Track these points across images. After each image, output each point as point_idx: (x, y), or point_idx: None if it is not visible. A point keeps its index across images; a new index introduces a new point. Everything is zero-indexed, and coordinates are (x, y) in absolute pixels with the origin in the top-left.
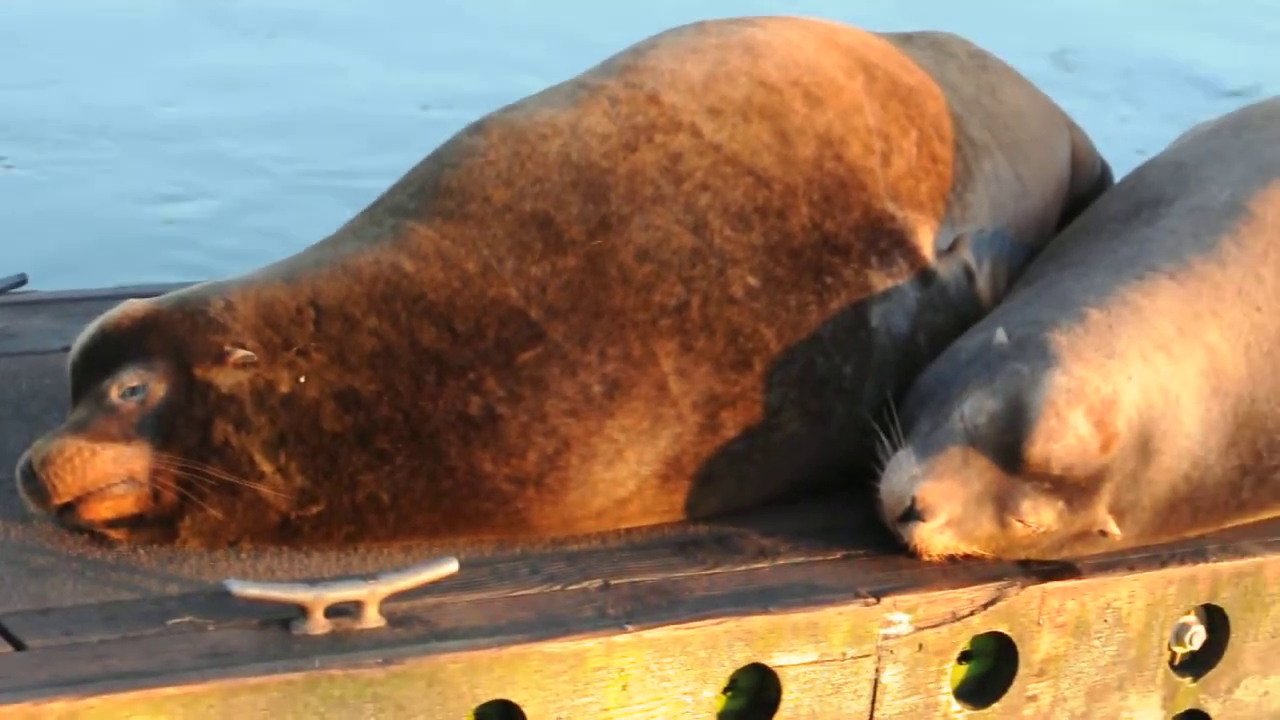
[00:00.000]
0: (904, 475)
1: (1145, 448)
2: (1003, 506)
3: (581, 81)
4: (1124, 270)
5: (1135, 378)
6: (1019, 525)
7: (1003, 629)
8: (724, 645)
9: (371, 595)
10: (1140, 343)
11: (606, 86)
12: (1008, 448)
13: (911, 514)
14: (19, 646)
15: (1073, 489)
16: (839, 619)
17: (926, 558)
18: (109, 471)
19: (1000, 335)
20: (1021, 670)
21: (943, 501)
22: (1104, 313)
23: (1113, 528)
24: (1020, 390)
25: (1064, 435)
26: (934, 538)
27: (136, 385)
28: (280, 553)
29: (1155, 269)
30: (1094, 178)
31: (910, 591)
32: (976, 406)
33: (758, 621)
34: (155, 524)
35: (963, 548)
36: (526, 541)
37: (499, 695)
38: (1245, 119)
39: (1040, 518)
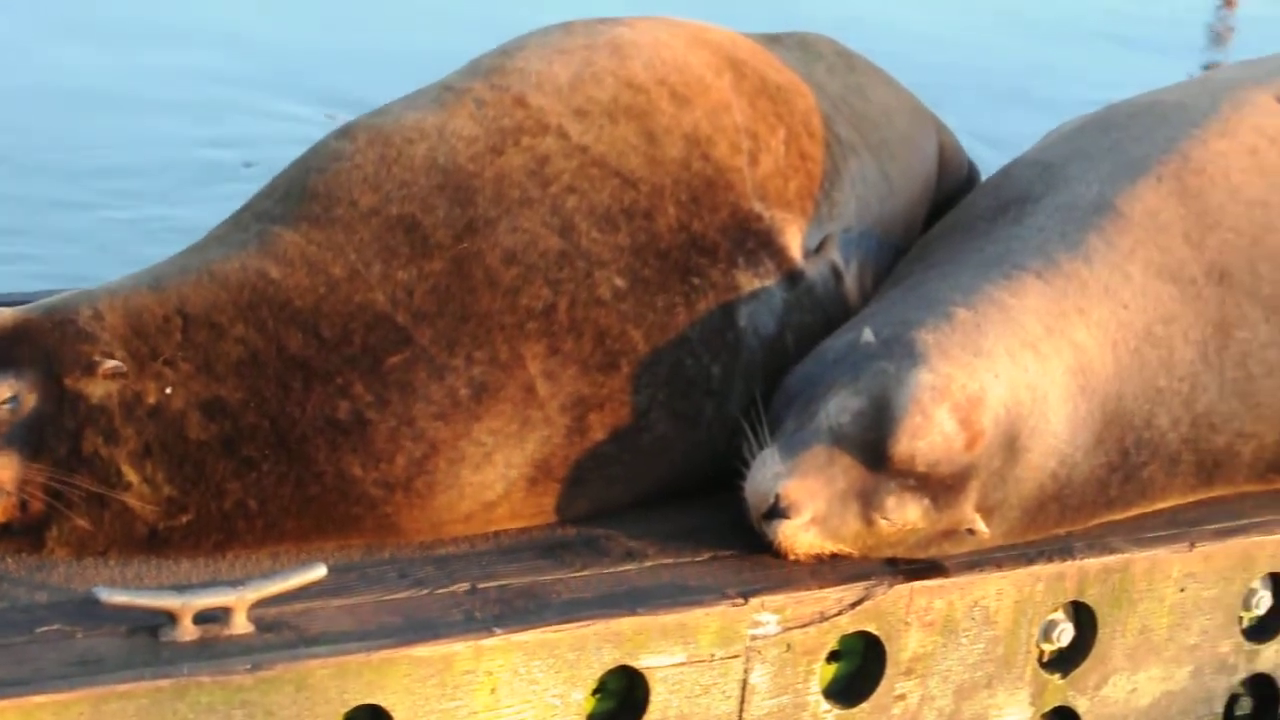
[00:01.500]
0: (768, 473)
1: (1012, 446)
2: (868, 504)
3: (448, 84)
4: (991, 269)
5: (1002, 376)
6: (884, 523)
7: (870, 628)
8: (592, 647)
9: (240, 601)
10: (1007, 341)
11: (473, 89)
12: (873, 445)
13: (776, 512)
14: None
15: (938, 486)
16: (707, 620)
17: (792, 556)
18: None
19: (867, 335)
20: (890, 669)
21: (807, 499)
22: (971, 311)
23: (980, 526)
24: (886, 388)
25: (929, 432)
26: (799, 535)
27: (8, 395)
28: (149, 559)
29: (1022, 267)
30: (961, 177)
31: (778, 592)
32: (841, 404)
33: (626, 623)
34: (22, 533)
35: (828, 546)
36: (395, 546)
37: (368, 699)
38: (1110, 117)
39: (905, 515)
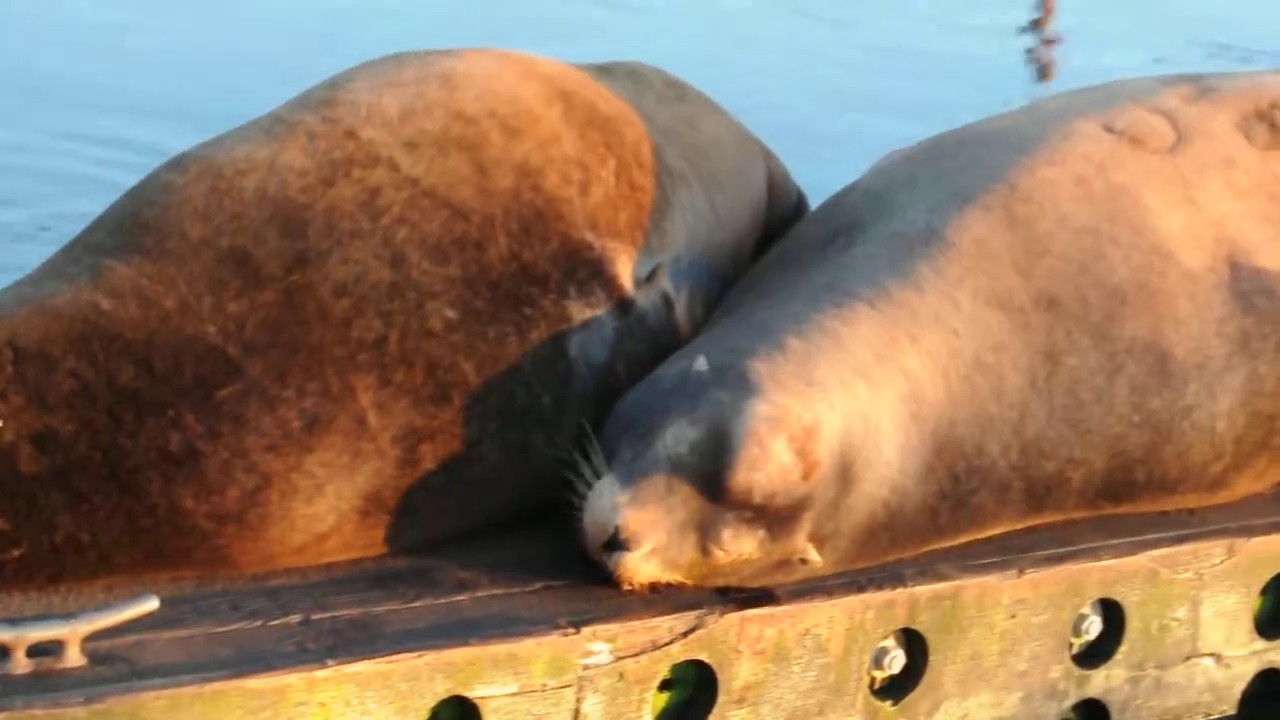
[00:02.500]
0: (607, 503)
1: (845, 475)
2: (705, 535)
3: (279, 116)
4: (821, 298)
5: (836, 405)
6: (720, 554)
7: (703, 657)
8: (424, 678)
9: (73, 634)
10: (840, 370)
11: (304, 121)
12: (710, 476)
13: (616, 543)
14: None
15: (774, 518)
16: (539, 650)
17: (628, 586)
18: None
19: (701, 363)
20: (722, 698)
21: (647, 530)
22: (803, 341)
23: (813, 555)
24: (722, 419)
25: (766, 464)
26: (639, 566)
27: None
28: None
29: (853, 295)
30: (790, 207)
31: (610, 621)
32: (679, 435)
33: (458, 654)
34: None
35: (666, 576)
36: (227, 578)
37: None
38: (939, 146)
39: (741, 547)
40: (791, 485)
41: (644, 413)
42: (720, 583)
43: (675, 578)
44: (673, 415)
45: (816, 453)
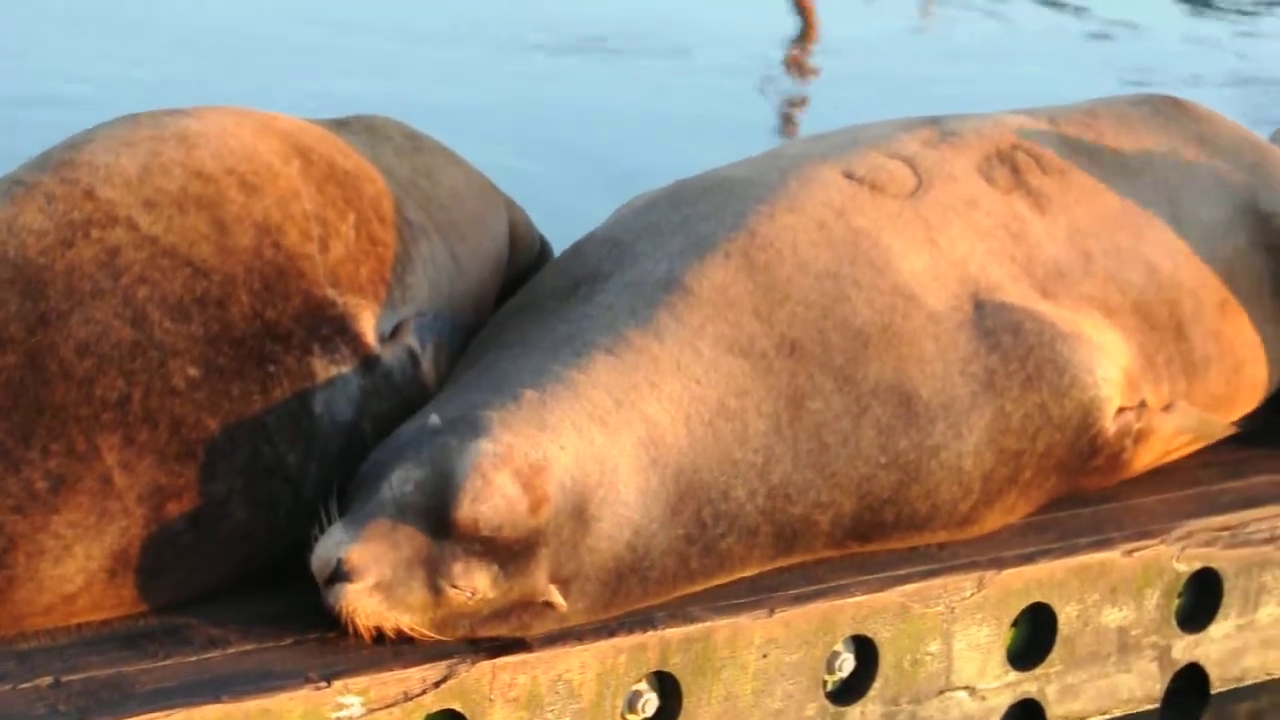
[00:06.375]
0: (332, 541)
1: (581, 515)
2: (434, 571)
3: (16, 178)
4: (561, 349)
5: (568, 447)
6: (453, 591)
7: (455, 706)
8: None
9: None
10: (574, 416)
11: (42, 183)
12: (436, 512)
13: (338, 575)
14: None
15: (506, 553)
16: (291, 704)
17: (355, 623)
18: None
19: (434, 420)
20: None
21: (370, 563)
22: (539, 391)
23: (556, 597)
24: (448, 457)
25: (491, 496)
26: (362, 600)
27: None
28: None
29: (592, 344)
30: (533, 254)
31: (361, 673)
32: (404, 475)
33: (210, 711)
34: None
35: (396, 616)
36: None
37: None
38: (680, 193)
39: (474, 582)
40: (519, 518)
41: (379, 468)
42: (466, 632)
43: (408, 621)
44: (401, 461)
45: (544, 487)
